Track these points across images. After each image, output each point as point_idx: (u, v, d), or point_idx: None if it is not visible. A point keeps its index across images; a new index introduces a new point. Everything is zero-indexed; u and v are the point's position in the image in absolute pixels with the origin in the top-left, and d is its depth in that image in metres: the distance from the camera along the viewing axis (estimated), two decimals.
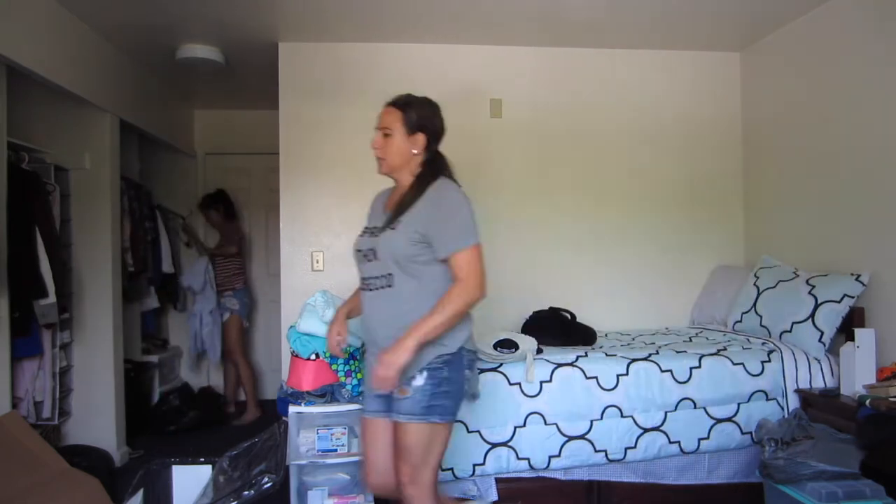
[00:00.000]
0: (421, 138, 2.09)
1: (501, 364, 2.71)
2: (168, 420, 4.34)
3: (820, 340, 2.87)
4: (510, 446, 2.63)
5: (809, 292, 2.96)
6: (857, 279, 2.88)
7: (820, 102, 3.25)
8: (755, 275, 3.37)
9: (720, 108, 3.92)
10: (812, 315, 2.90)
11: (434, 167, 2.08)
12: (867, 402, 2.38)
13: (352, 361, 2.72)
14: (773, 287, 3.18)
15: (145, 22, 3.36)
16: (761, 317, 3.17)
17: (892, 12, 2.79)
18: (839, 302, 2.85)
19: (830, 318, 2.86)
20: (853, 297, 2.85)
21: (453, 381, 1.94)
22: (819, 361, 2.85)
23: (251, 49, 3.76)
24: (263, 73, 4.01)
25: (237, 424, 4.55)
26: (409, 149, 2.08)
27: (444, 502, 2.10)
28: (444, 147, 3.95)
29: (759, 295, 3.24)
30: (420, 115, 2.11)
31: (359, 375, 2.72)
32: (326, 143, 3.70)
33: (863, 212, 2.98)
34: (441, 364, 1.92)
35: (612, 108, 3.87)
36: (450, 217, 1.92)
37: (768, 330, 3.12)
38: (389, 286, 1.95)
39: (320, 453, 2.64)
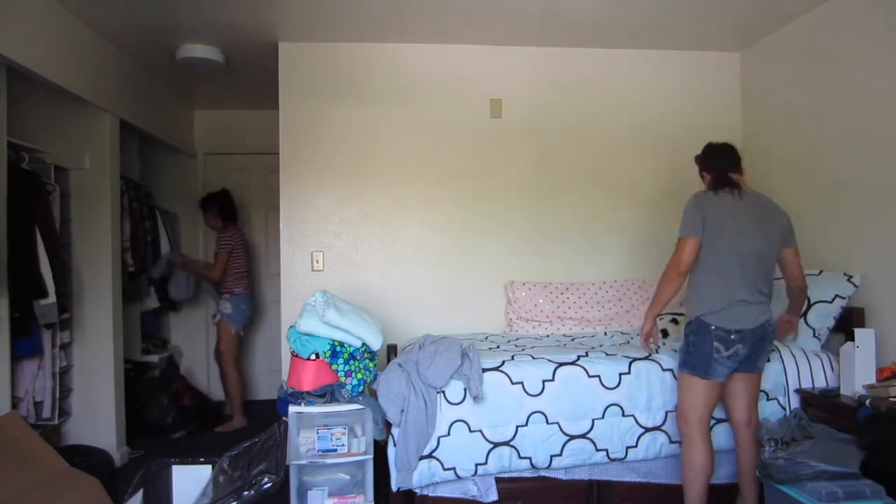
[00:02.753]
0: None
1: (504, 363, 2.71)
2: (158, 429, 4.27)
3: (815, 336, 2.92)
4: (512, 445, 2.63)
5: None
6: (849, 280, 2.89)
7: (819, 102, 3.25)
8: None
9: (720, 108, 3.93)
10: (804, 314, 2.93)
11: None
12: (867, 402, 2.38)
13: (352, 361, 2.72)
14: None
15: (145, 22, 3.36)
16: None
17: (891, 12, 2.80)
18: (830, 302, 2.89)
19: (822, 318, 2.91)
20: (845, 298, 2.88)
21: (698, 344, 2.51)
22: (820, 358, 2.86)
23: (251, 49, 3.76)
24: (263, 73, 4.01)
25: (220, 431, 4.39)
26: None
27: None
28: (444, 147, 3.97)
29: None
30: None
31: (359, 375, 2.72)
32: (326, 144, 3.70)
33: (860, 211, 2.98)
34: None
35: (612, 108, 3.87)
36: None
37: None
38: None
39: (320, 453, 2.64)
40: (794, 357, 2.85)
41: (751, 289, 2.48)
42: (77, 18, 3.26)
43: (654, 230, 3.87)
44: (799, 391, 2.79)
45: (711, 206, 2.54)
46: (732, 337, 2.44)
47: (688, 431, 2.53)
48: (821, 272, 3.04)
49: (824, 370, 2.84)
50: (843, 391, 2.69)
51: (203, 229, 5.20)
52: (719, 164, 2.69)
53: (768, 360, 2.67)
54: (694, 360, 2.51)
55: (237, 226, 4.66)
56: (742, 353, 2.46)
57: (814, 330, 2.92)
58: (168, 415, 4.24)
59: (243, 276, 4.50)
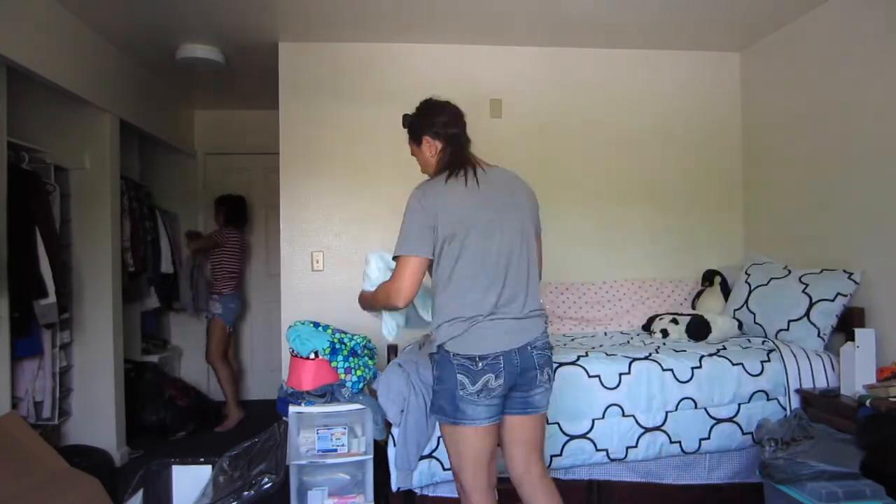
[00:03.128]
0: (425, 142, 2.16)
1: None
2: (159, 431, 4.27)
3: (819, 336, 2.92)
4: None
5: (803, 291, 2.99)
6: (849, 277, 2.90)
7: (819, 102, 3.25)
8: (746, 272, 3.40)
9: (720, 108, 3.93)
10: (807, 313, 2.94)
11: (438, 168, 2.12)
12: (867, 402, 2.38)
13: (351, 359, 2.72)
14: (766, 284, 3.21)
15: (145, 22, 3.36)
16: (754, 314, 3.19)
17: (891, 12, 2.80)
18: (832, 301, 2.89)
19: (825, 316, 2.92)
20: (846, 296, 2.88)
21: (442, 378, 1.96)
22: (820, 358, 2.86)
23: (251, 49, 3.76)
24: (263, 73, 4.01)
25: (219, 431, 4.42)
26: (424, 155, 2.21)
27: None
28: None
29: (750, 292, 3.26)
30: (411, 121, 2.22)
31: (358, 372, 2.72)
32: (326, 143, 3.70)
33: (859, 210, 2.98)
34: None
35: (612, 107, 3.87)
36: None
37: (762, 327, 3.14)
38: None
39: (320, 453, 2.64)
40: (795, 357, 2.85)
41: (507, 299, 1.93)
42: (77, 18, 3.26)
43: (654, 230, 3.87)
44: (799, 391, 2.79)
45: (443, 201, 1.95)
46: (479, 365, 1.87)
47: (462, 497, 2.00)
48: (821, 271, 3.04)
49: (825, 370, 2.83)
50: (843, 391, 2.68)
51: (203, 228, 5.20)
52: (453, 128, 2.09)
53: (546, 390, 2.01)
54: (440, 402, 1.95)
55: (240, 231, 4.79)
56: (496, 385, 1.88)
57: (818, 329, 2.92)
58: (165, 419, 4.23)
59: (233, 277, 4.63)
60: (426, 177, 2.21)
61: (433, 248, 1.95)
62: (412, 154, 2.25)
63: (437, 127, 2.11)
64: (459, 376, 1.90)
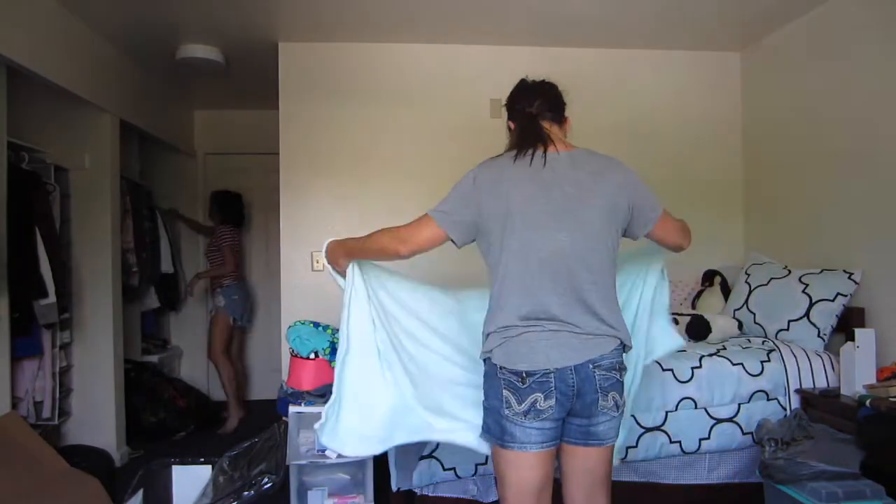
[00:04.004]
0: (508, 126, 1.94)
1: None
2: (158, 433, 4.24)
3: (819, 336, 2.92)
4: None
5: (803, 291, 3.00)
6: (849, 277, 2.90)
7: (819, 102, 3.25)
8: (746, 272, 3.40)
9: (720, 108, 3.93)
10: (807, 313, 2.94)
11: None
12: (867, 402, 2.38)
13: None
14: (765, 284, 3.21)
15: (145, 22, 3.36)
16: (754, 314, 3.19)
17: (891, 12, 2.80)
18: (832, 301, 2.89)
19: (825, 316, 2.92)
20: (847, 296, 2.88)
21: (488, 394, 1.72)
22: (820, 358, 2.86)
23: (251, 49, 3.76)
24: (263, 73, 4.01)
25: (221, 433, 4.37)
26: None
27: None
28: (444, 147, 3.97)
29: (750, 292, 3.26)
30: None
31: None
32: (326, 143, 3.70)
33: (859, 210, 2.98)
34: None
35: (612, 107, 3.87)
36: None
37: (762, 327, 3.14)
38: None
39: (320, 453, 2.64)
40: (795, 357, 2.85)
41: (562, 304, 1.66)
42: (77, 18, 3.26)
43: None
44: (799, 391, 2.79)
45: (496, 183, 1.73)
46: (525, 383, 1.63)
47: None
48: (822, 271, 3.04)
49: (825, 370, 2.83)
50: (843, 391, 2.68)
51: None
52: (529, 107, 1.86)
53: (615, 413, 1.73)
54: (488, 420, 1.73)
55: (237, 228, 4.73)
56: (548, 407, 1.63)
57: (818, 329, 2.92)
58: (165, 420, 4.22)
59: (237, 266, 4.59)
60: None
61: (463, 233, 1.75)
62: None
63: (515, 110, 1.92)
64: (505, 392, 1.66)
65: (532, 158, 1.73)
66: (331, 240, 2.08)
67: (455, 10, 3.28)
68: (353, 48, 3.72)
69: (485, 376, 1.75)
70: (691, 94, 3.91)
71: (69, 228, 3.65)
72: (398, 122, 3.76)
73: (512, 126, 1.90)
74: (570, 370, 1.64)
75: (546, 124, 1.85)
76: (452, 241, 1.77)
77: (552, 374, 1.63)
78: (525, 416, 1.64)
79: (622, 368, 1.74)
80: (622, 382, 1.74)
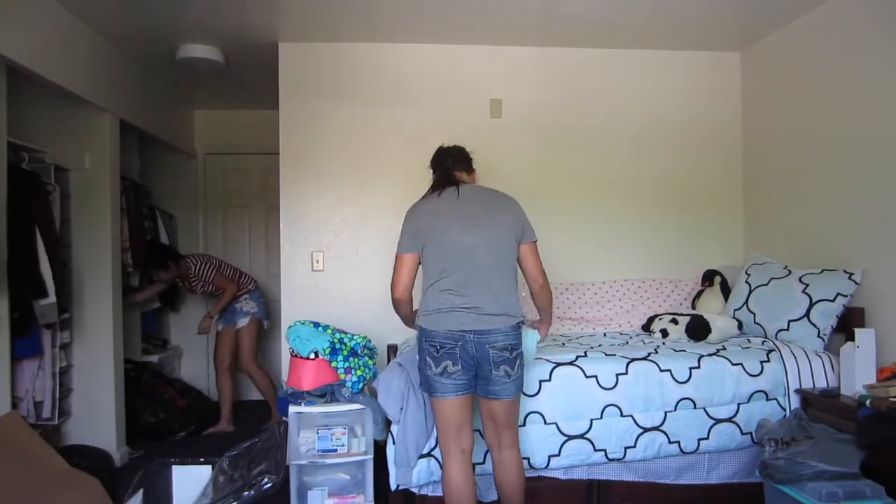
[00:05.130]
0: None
1: None
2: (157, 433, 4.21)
3: (819, 336, 2.91)
4: None
5: (803, 291, 3.00)
6: (849, 277, 2.90)
7: (819, 102, 3.25)
8: (746, 272, 3.40)
9: (720, 108, 3.93)
10: (807, 313, 2.94)
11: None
12: (867, 402, 2.38)
13: (351, 359, 2.72)
14: (766, 284, 3.21)
15: (145, 22, 3.36)
16: (754, 314, 3.20)
17: (891, 12, 2.80)
18: (833, 301, 2.89)
19: (825, 316, 2.92)
20: (847, 296, 2.88)
21: (420, 359, 2.35)
22: (820, 358, 2.86)
23: (251, 49, 3.76)
24: (263, 73, 4.01)
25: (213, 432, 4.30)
26: None
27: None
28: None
29: (750, 292, 3.27)
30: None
31: (358, 372, 2.72)
32: (326, 143, 3.70)
33: (859, 210, 2.98)
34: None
35: (612, 108, 3.87)
36: None
37: (762, 327, 3.15)
38: None
39: (320, 453, 2.64)
40: (795, 357, 2.85)
41: (462, 290, 2.24)
42: (77, 18, 3.26)
43: (654, 230, 3.87)
44: (799, 391, 2.79)
45: (423, 210, 2.38)
46: (440, 353, 2.24)
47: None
48: (822, 271, 3.04)
49: (824, 370, 2.83)
50: (843, 391, 2.68)
51: (203, 228, 5.21)
52: (447, 163, 2.52)
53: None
54: (420, 376, 2.38)
55: (185, 260, 4.32)
56: (455, 370, 2.23)
57: (818, 329, 2.92)
58: (165, 421, 4.20)
59: (241, 275, 4.37)
60: (428, 180, 2.56)
61: (417, 249, 2.34)
62: None
63: (436, 166, 2.57)
64: (427, 358, 2.27)
65: (449, 192, 2.39)
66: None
67: (455, 10, 3.28)
68: (353, 48, 3.72)
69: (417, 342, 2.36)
70: (691, 94, 3.91)
71: (69, 228, 3.65)
72: (398, 122, 3.76)
73: (434, 175, 2.53)
74: (472, 345, 2.23)
75: (458, 173, 2.49)
76: (417, 254, 2.36)
77: (455, 347, 2.23)
78: (441, 375, 2.27)
79: (514, 349, 2.27)
80: (514, 360, 2.27)
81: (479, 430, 2.46)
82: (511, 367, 2.26)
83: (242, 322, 4.24)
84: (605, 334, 3.52)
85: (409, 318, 2.48)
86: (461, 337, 2.22)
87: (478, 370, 2.25)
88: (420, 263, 2.36)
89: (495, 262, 2.28)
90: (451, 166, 2.49)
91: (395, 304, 2.42)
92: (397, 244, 2.37)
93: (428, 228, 2.31)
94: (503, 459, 2.36)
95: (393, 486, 2.56)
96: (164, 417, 4.19)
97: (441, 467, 2.39)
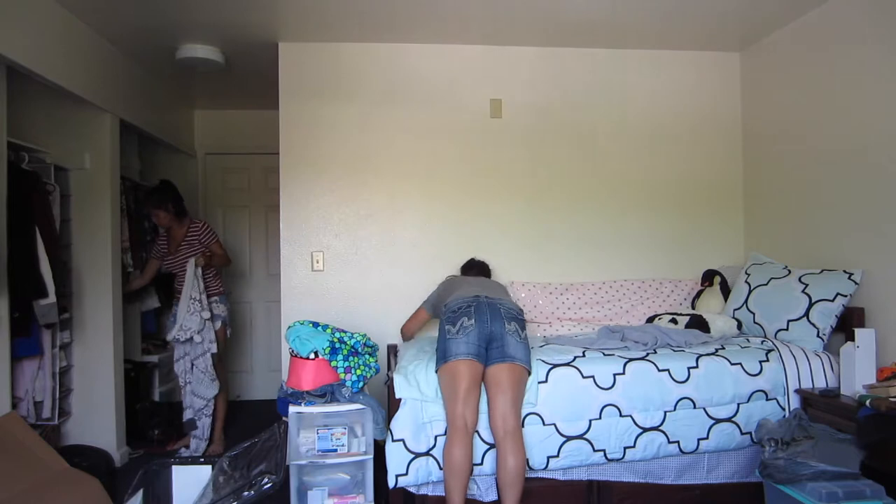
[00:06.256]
0: None
1: None
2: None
3: (818, 336, 2.91)
4: None
5: (803, 291, 3.00)
6: (849, 277, 2.90)
7: (819, 102, 3.25)
8: (746, 272, 3.40)
9: (720, 108, 3.93)
10: (807, 313, 2.94)
11: None
12: (867, 402, 2.38)
13: (352, 357, 2.72)
14: (765, 284, 3.21)
15: (145, 22, 3.37)
16: (754, 314, 3.19)
17: (890, 12, 2.80)
18: (832, 301, 2.89)
19: (825, 316, 2.92)
20: (846, 296, 2.88)
21: (439, 339, 2.71)
22: (819, 358, 2.86)
23: (251, 49, 3.76)
24: (263, 73, 4.01)
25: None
26: None
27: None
28: (444, 147, 3.97)
29: (750, 292, 3.27)
30: None
31: (358, 371, 2.72)
32: (326, 143, 3.70)
33: (859, 210, 2.98)
34: None
35: (613, 108, 3.87)
36: None
37: (762, 327, 3.14)
38: None
39: (320, 453, 2.64)
40: (794, 357, 2.85)
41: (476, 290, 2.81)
42: (77, 18, 3.26)
43: (653, 230, 3.87)
44: (799, 391, 2.79)
45: (450, 283, 3.13)
46: (456, 312, 2.65)
47: None
48: (821, 271, 3.04)
49: (824, 370, 2.83)
50: (843, 391, 2.69)
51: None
52: (471, 272, 3.44)
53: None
54: (437, 356, 2.67)
55: (190, 217, 4.00)
56: (468, 325, 2.58)
57: (818, 329, 2.92)
58: (162, 432, 4.15)
59: (220, 273, 4.03)
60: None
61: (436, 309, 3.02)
62: None
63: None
64: (446, 325, 2.67)
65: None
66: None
67: (455, 10, 3.28)
68: (353, 48, 3.72)
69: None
70: (691, 94, 3.91)
71: (69, 228, 3.65)
72: (398, 122, 3.76)
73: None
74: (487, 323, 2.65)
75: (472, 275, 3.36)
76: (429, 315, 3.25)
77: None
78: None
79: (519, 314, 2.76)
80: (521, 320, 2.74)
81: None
82: (520, 326, 2.65)
83: (217, 325, 3.88)
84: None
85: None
86: (475, 300, 2.65)
87: (491, 335, 2.57)
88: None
89: (496, 291, 2.91)
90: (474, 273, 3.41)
91: (403, 335, 3.40)
92: (426, 300, 3.23)
93: (452, 288, 2.96)
94: (506, 451, 2.46)
95: (391, 485, 2.56)
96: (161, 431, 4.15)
97: (443, 451, 2.50)
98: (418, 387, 2.62)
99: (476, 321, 2.57)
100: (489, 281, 3.14)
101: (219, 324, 3.88)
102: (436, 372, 2.62)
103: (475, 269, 3.45)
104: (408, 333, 3.36)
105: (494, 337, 2.58)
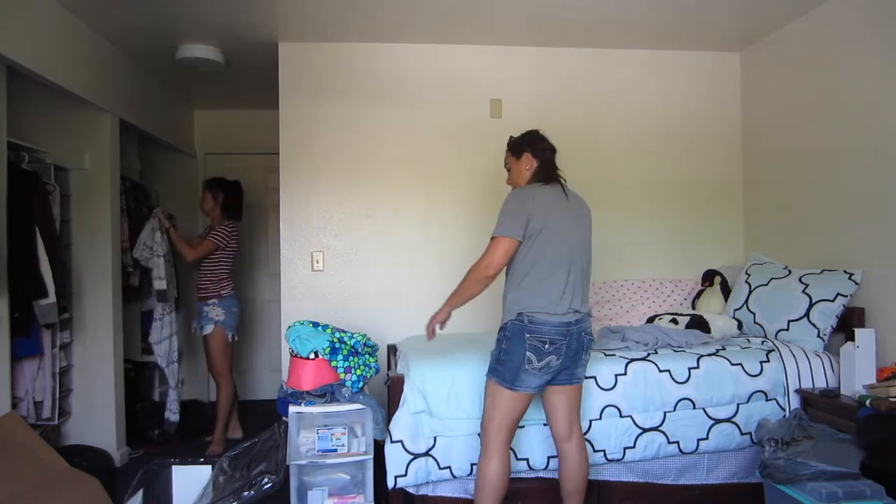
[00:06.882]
0: (525, 157, 2.53)
1: None
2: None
3: (819, 336, 2.91)
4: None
5: (803, 291, 3.00)
6: (849, 277, 2.90)
7: (819, 102, 3.25)
8: (746, 272, 3.40)
9: (720, 108, 3.93)
10: (807, 313, 2.94)
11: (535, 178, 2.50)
12: (867, 402, 2.38)
13: (352, 357, 2.72)
14: (766, 284, 3.22)
15: (145, 22, 3.36)
16: (754, 314, 3.19)
17: (891, 12, 2.80)
18: (833, 301, 2.89)
19: (825, 316, 2.92)
20: (847, 296, 2.88)
21: (510, 351, 2.30)
22: (820, 358, 2.86)
23: (251, 49, 3.76)
24: (263, 73, 4.01)
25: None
26: (520, 167, 2.54)
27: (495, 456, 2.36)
28: (442, 146, 3.97)
29: (750, 292, 3.27)
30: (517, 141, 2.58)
31: (358, 371, 2.72)
32: (326, 143, 3.70)
33: (859, 210, 2.98)
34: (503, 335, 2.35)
35: (612, 108, 3.87)
36: (500, 211, 2.38)
37: (762, 327, 3.14)
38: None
39: (320, 453, 2.64)
40: (794, 357, 2.85)
41: (575, 293, 2.35)
42: (77, 18, 3.26)
43: (653, 230, 3.87)
44: (799, 391, 2.79)
45: (538, 201, 2.36)
46: (547, 345, 2.26)
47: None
48: (822, 271, 3.04)
49: (824, 370, 2.83)
50: (843, 391, 2.69)
51: (202, 229, 5.19)
52: (549, 154, 2.53)
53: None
54: (502, 369, 2.33)
55: (236, 225, 4.08)
56: (556, 365, 2.29)
57: (818, 329, 2.92)
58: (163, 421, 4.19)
59: (230, 277, 4.01)
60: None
61: (523, 234, 2.32)
62: (506, 166, 2.62)
63: (539, 150, 2.52)
64: (529, 353, 2.26)
65: (556, 189, 2.50)
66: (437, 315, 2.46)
67: (455, 10, 3.28)
68: (353, 48, 3.72)
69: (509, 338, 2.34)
70: (691, 94, 3.91)
71: (69, 228, 3.65)
72: (398, 122, 3.76)
73: (528, 159, 2.53)
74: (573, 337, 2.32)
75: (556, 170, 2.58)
76: (519, 241, 2.38)
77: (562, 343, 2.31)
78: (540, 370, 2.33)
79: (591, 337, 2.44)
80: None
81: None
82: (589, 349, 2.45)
83: (208, 328, 3.89)
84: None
85: (477, 294, 2.41)
86: (568, 332, 2.28)
87: (571, 362, 2.34)
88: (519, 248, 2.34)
89: (586, 267, 2.44)
90: (551, 158, 2.54)
91: (482, 282, 2.35)
92: (499, 225, 2.33)
93: (547, 220, 2.32)
94: (571, 451, 2.42)
95: (390, 486, 2.56)
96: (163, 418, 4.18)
97: (481, 459, 2.37)
98: (425, 399, 2.60)
99: (563, 358, 2.29)
100: (579, 216, 2.48)
101: (211, 327, 3.85)
102: (487, 376, 2.39)
103: (550, 155, 2.56)
104: (495, 270, 2.37)
105: (571, 365, 2.36)
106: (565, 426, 2.43)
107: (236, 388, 4.23)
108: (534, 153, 2.51)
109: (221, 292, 3.92)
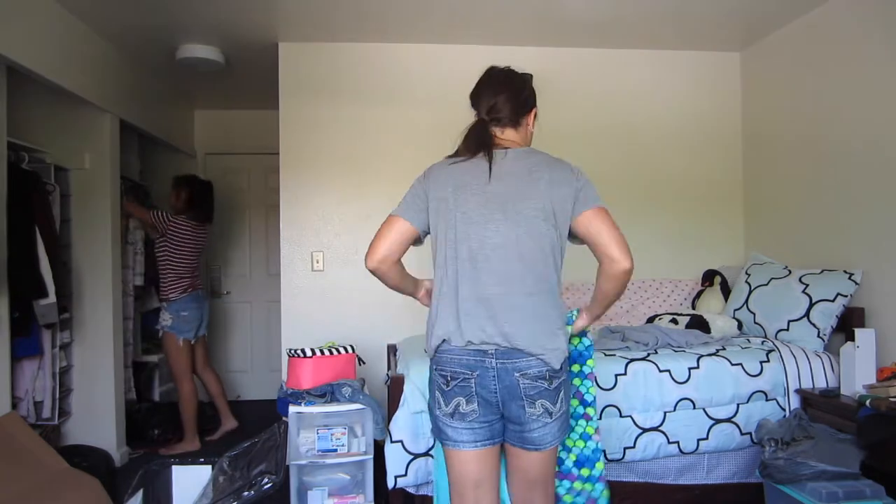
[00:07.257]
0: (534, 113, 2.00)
1: None
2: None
3: (819, 336, 2.91)
4: None
5: (803, 291, 3.00)
6: (850, 277, 2.90)
7: (819, 102, 3.25)
8: (746, 272, 3.40)
9: (720, 108, 3.93)
10: (807, 313, 2.94)
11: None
12: (867, 402, 2.38)
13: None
14: (766, 284, 3.22)
15: (145, 22, 3.36)
16: (754, 314, 3.19)
17: (891, 12, 2.80)
18: (833, 301, 2.89)
19: (825, 316, 2.92)
20: (847, 296, 2.88)
21: (429, 391, 1.79)
22: (820, 358, 2.86)
23: (251, 49, 3.76)
24: (263, 73, 4.01)
25: (210, 440, 4.09)
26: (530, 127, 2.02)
27: None
28: (444, 146, 3.95)
29: (750, 292, 3.27)
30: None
31: None
32: (326, 143, 3.70)
33: (859, 210, 2.98)
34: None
35: (612, 108, 3.87)
36: None
37: (762, 327, 3.14)
38: None
39: (320, 453, 2.64)
40: (794, 357, 2.85)
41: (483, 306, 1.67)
42: (77, 18, 3.26)
43: (653, 230, 3.87)
44: (799, 391, 2.79)
45: (442, 174, 1.81)
46: (450, 385, 1.68)
47: None
48: (822, 271, 3.04)
49: (824, 370, 2.83)
50: (843, 391, 2.68)
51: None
52: (481, 107, 1.92)
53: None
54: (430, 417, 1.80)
55: (197, 225, 3.98)
56: (468, 410, 1.66)
57: (818, 329, 2.92)
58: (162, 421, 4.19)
59: (181, 278, 3.90)
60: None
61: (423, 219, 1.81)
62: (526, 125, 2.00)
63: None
64: (436, 393, 1.70)
65: (478, 162, 1.98)
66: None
67: (455, 10, 3.28)
68: (353, 48, 3.72)
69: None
70: (691, 94, 3.91)
71: (69, 228, 3.65)
72: (398, 121, 3.76)
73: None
74: (493, 377, 1.65)
75: (497, 129, 2.00)
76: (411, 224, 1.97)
77: (471, 379, 1.66)
78: (451, 417, 1.69)
79: (553, 378, 1.65)
80: (556, 390, 1.65)
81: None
82: (553, 400, 1.65)
83: (160, 332, 3.94)
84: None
85: (400, 287, 1.95)
86: (478, 363, 1.64)
87: (504, 411, 1.67)
88: (417, 243, 1.86)
89: (526, 261, 1.69)
90: (486, 116, 1.83)
91: (374, 274, 1.88)
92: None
93: (444, 205, 1.74)
94: None
95: (390, 485, 2.56)
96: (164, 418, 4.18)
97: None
98: (425, 399, 2.59)
99: (479, 405, 1.66)
100: (505, 197, 1.80)
101: (161, 332, 3.92)
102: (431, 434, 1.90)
103: (485, 111, 1.95)
104: (376, 267, 1.99)
105: (511, 418, 1.67)
106: (519, 500, 1.79)
107: (222, 382, 4.34)
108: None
109: (170, 296, 3.91)
